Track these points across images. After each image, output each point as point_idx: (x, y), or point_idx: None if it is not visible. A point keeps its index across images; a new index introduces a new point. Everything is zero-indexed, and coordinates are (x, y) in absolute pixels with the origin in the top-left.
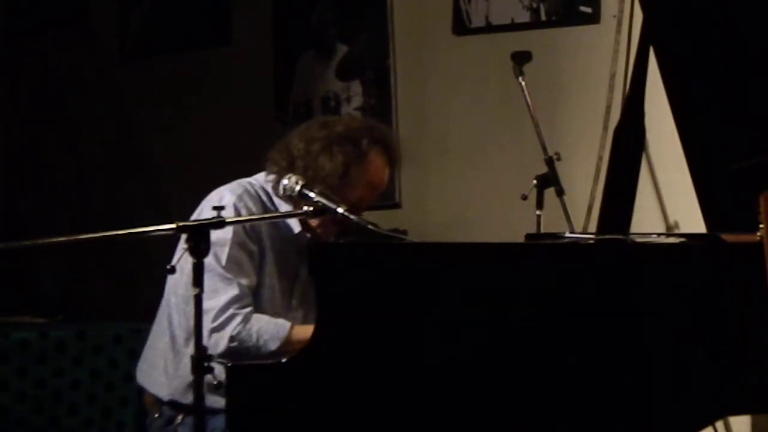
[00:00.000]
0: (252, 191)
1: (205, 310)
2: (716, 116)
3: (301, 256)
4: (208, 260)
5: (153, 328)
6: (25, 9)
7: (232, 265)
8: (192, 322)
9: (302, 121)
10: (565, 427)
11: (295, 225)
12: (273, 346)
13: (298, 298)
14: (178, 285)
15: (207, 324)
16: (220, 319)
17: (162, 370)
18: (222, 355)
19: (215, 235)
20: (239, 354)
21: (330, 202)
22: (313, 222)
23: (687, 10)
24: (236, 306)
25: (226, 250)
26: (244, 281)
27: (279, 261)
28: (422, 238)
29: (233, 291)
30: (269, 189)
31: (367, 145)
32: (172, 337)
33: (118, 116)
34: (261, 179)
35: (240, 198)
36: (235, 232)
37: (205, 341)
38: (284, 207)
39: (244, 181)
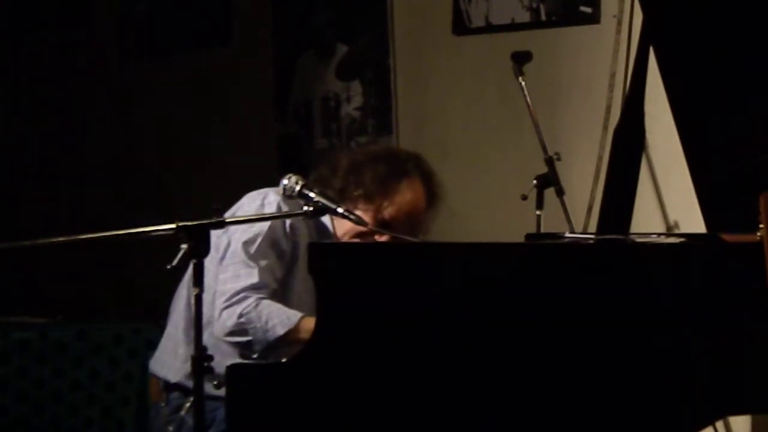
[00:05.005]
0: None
1: (222, 292)
2: (716, 116)
3: None
4: (236, 248)
5: (170, 317)
6: (25, 9)
7: (259, 258)
8: (211, 312)
9: (302, 121)
10: (566, 427)
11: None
12: (281, 330)
13: None
14: (206, 271)
15: (220, 303)
16: (234, 299)
17: (171, 352)
18: (230, 334)
19: (254, 227)
20: (246, 333)
21: (330, 202)
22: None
23: (687, 10)
24: (252, 292)
25: (258, 241)
26: (266, 275)
27: None
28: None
29: (253, 279)
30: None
31: (410, 169)
32: (189, 321)
33: (118, 116)
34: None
35: (285, 199)
36: (271, 228)
37: (215, 321)
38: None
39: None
